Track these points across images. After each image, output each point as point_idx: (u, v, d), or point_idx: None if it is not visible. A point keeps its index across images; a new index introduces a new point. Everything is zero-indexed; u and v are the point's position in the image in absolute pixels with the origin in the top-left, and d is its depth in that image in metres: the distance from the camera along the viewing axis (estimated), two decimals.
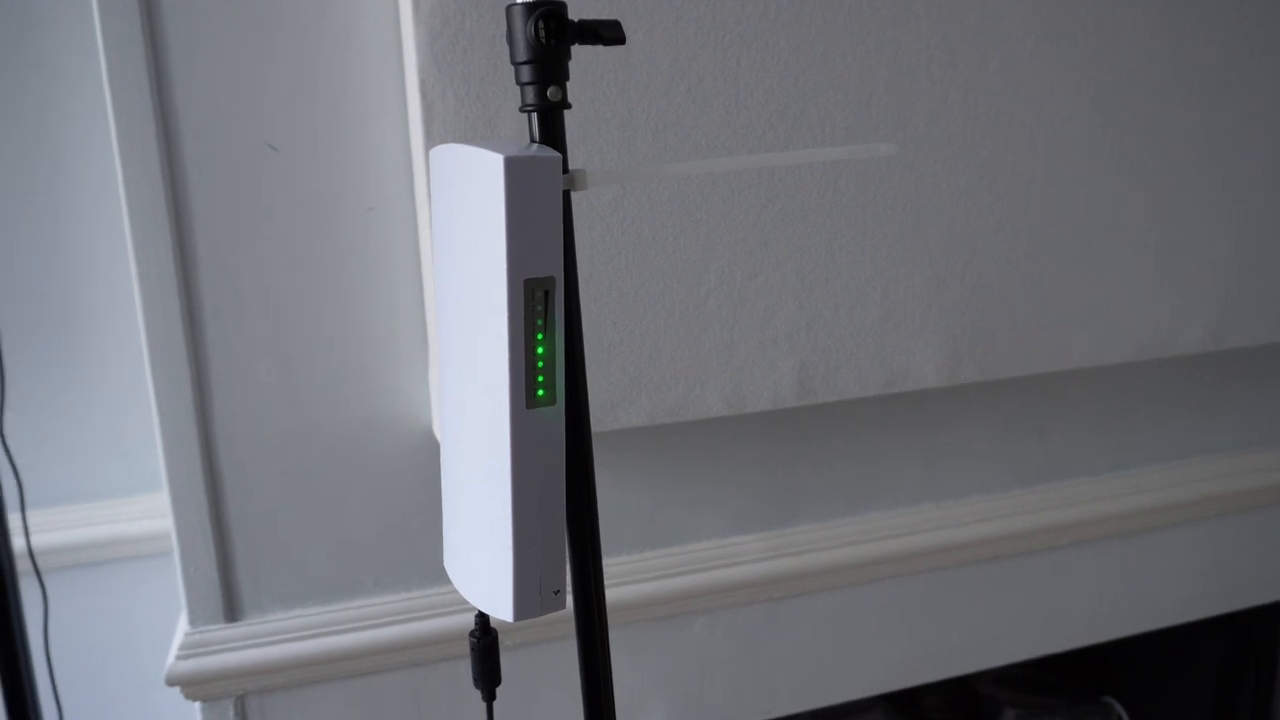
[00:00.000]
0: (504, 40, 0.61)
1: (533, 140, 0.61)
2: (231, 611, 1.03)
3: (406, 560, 1.07)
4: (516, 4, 0.59)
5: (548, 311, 0.59)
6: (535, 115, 0.61)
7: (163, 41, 0.93)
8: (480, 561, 0.64)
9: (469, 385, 0.63)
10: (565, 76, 0.61)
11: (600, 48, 0.87)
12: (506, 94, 0.93)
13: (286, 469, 1.02)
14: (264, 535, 1.02)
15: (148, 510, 1.29)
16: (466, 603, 1.02)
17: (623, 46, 0.94)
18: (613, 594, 1.11)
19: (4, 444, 1.09)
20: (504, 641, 1.09)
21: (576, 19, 0.60)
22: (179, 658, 1.01)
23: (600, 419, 1.00)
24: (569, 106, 0.61)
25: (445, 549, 0.71)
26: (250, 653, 1.02)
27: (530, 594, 0.62)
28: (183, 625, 1.02)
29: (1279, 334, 1.24)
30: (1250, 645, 1.53)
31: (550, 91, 0.60)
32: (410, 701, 1.09)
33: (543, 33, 0.59)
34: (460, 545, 0.67)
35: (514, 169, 0.56)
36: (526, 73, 0.60)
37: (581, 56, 0.93)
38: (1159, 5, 1.12)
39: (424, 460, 1.05)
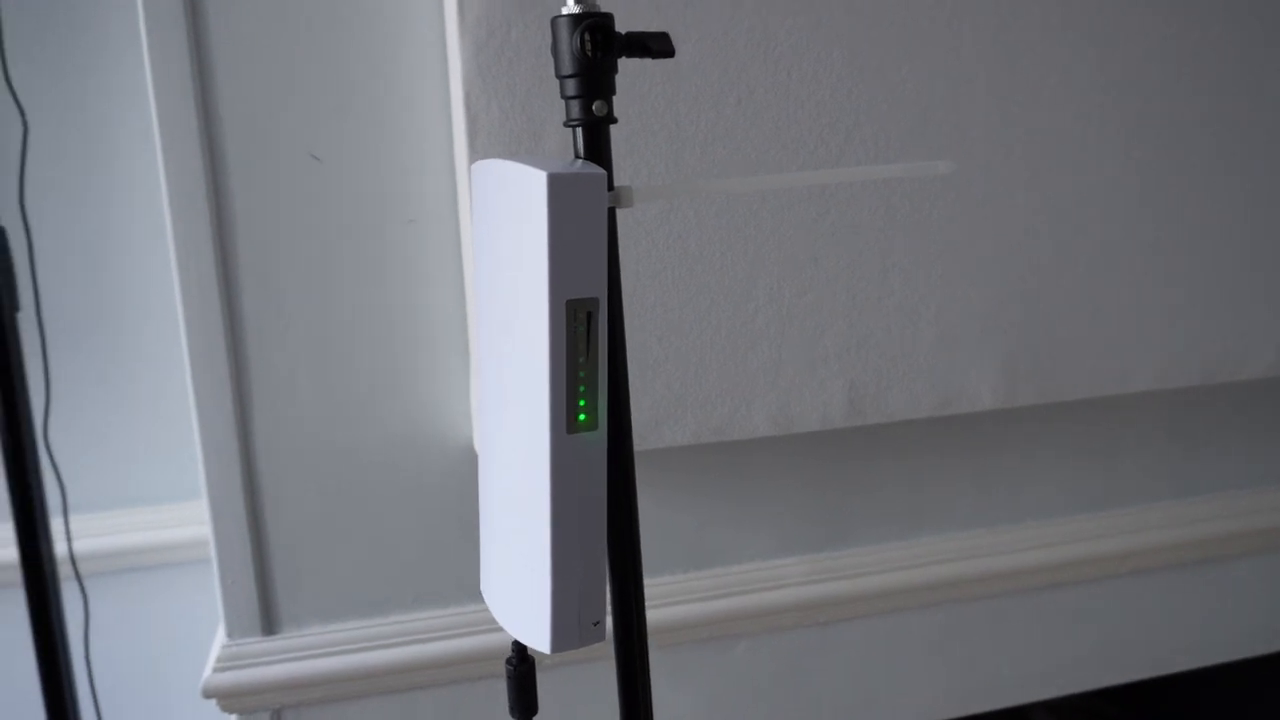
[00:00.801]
0: (550, 52, 0.59)
1: (577, 156, 0.59)
2: (269, 625, 1.02)
3: (446, 576, 1.06)
4: (562, 16, 0.57)
5: (590, 334, 0.57)
6: (580, 130, 0.59)
7: (207, 51, 0.92)
8: (517, 589, 0.62)
9: (508, 407, 0.61)
10: (611, 90, 0.59)
11: (648, 60, 0.85)
12: (552, 106, 0.91)
13: (326, 482, 1.01)
14: (303, 548, 1.01)
15: (190, 517, 1.29)
16: None
17: (671, 59, 0.92)
18: (654, 615, 1.09)
19: (48, 449, 1.10)
20: (541, 661, 1.07)
21: (624, 31, 0.58)
22: (216, 670, 1.00)
23: (644, 438, 0.98)
24: (615, 121, 0.59)
25: (482, 572, 0.69)
26: (287, 666, 1.01)
27: (569, 625, 0.60)
28: (220, 637, 1.02)
29: None
30: None
31: (596, 106, 0.58)
32: (449, 719, 1.07)
33: (589, 45, 0.57)
34: (497, 570, 0.66)
35: (557, 186, 0.54)
36: (571, 86, 0.58)
37: (629, 69, 0.91)
38: (1231, 15, 1.08)
39: (465, 474, 1.04)
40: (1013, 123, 1.03)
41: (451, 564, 1.06)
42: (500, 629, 1.05)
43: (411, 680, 1.05)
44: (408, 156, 0.98)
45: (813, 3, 0.96)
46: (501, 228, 0.60)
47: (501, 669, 1.05)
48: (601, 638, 0.61)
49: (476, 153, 0.91)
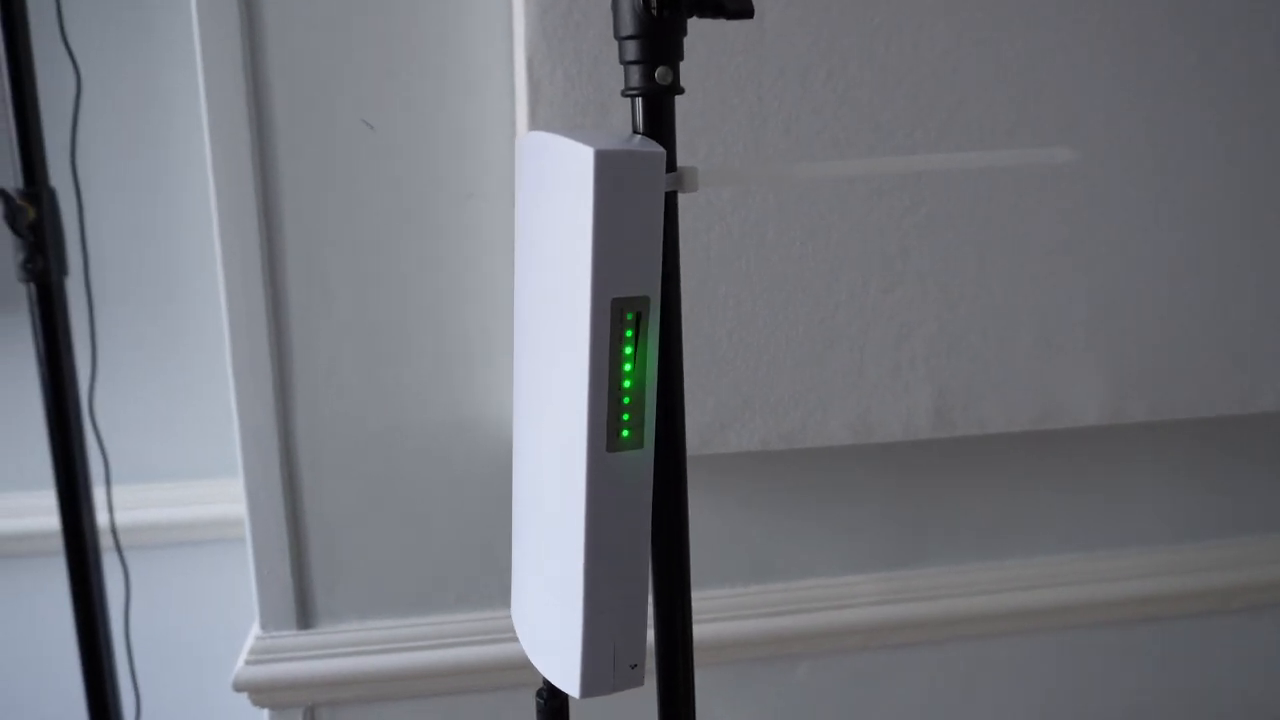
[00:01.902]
0: (611, 9, 0.51)
1: (636, 131, 0.52)
2: (305, 618, 0.97)
3: (490, 576, 1.00)
4: None
5: (639, 338, 0.49)
6: (640, 101, 0.51)
7: (258, 9, 0.87)
8: (547, 622, 0.55)
9: (544, 416, 0.54)
10: (678, 56, 0.51)
11: (724, 22, 0.77)
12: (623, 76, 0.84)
13: (368, 472, 0.96)
14: (342, 541, 0.96)
15: (236, 493, 1.25)
16: None
17: (752, 21, 0.84)
18: (710, 629, 1.02)
19: (92, 418, 1.06)
20: None
21: None
22: (248, 663, 0.96)
23: (707, 441, 0.91)
24: (680, 91, 0.52)
25: (513, 597, 0.62)
26: (322, 663, 0.97)
27: (602, 667, 0.53)
28: (254, 629, 0.98)
29: None
30: None
31: (659, 73, 0.51)
32: None
33: (653, 2, 0.49)
34: (526, 597, 0.59)
35: (606, 165, 0.47)
36: (632, 49, 0.51)
37: (703, 32, 0.83)
38: None
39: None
40: (1134, 107, 0.94)
41: (496, 564, 1.00)
42: None
43: (453, 684, 1.00)
44: (467, 126, 0.92)
45: None
46: (545, 211, 0.53)
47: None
48: (640, 682, 0.54)
49: (538, 124, 0.84)
